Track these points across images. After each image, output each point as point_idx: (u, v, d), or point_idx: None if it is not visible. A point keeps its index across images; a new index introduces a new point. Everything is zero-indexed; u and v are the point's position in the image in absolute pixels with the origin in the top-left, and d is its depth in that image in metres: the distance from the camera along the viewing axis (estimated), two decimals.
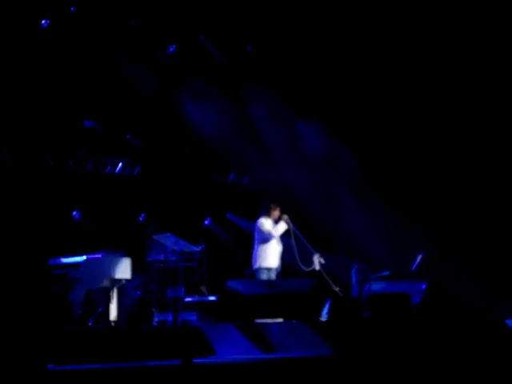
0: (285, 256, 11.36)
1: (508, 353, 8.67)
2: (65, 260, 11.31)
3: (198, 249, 12.52)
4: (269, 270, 11.23)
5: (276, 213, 11.39)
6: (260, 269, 11.20)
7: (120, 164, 13.98)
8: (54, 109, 12.70)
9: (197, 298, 12.28)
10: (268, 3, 13.48)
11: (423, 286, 10.53)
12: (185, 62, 13.62)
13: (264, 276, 11.16)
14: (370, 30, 13.61)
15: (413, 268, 12.37)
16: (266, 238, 11.25)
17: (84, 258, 11.23)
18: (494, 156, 13.54)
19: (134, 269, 11.56)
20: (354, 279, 12.56)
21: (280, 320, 9.91)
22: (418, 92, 13.84)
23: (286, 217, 11.32)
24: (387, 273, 12.24)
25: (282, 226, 11.30)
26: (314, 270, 11.18)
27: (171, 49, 13.62)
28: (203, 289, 12.91)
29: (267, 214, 11.38)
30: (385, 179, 13.91)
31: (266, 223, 11.32)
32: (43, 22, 12.31)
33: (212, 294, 12.32)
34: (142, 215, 14.00)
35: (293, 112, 14.17)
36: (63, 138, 13.06)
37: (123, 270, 11.32)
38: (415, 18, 13.39)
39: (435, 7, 13.23)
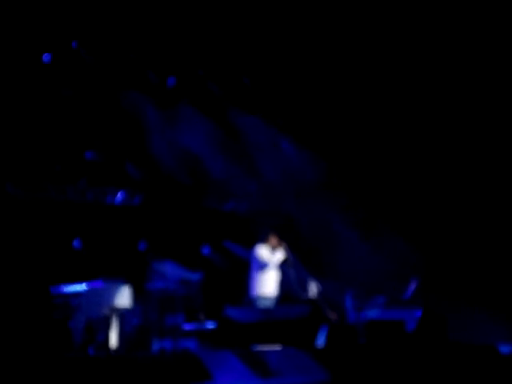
0: (282, 283, 11.44)
1: (500, 379, 8.79)
2: (65, 288, 11.32)
3: (197, 276, 12.54)
4: (266, 297, 11.33)
5: (273, 240, 11.49)
6: (257, 296, 11.28)
7: (119, 194, 14.06)
8: (54, 140, 12.82)
9: (195, 326, 12.28)
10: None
11: (418, 313, 10.61)
12: (183, 93, 13.76)
13: (261, 303, 11.24)
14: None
15: (407, 294, 12.43)
16: (263, 266, 11.33)
17: (84, 286, 11.24)
18: (491, 176, 13.58)
19: (134, 297, 11.55)
20: (349, 305, 12.62)
21: (277, 346, 10.00)
22: (408, 110, 13.90)
23: (283, 244, 11.42)
24: (382, 299, 12.29)
25: (280, 254, 11.40)
26: (310, 297, 11.26)
27: (171, 81, 13.77)
28: (201, 316, 12.90)
29: (265, 241, 11.49)
30: (380, 204, 13.99)
31: (263, 251, 11.41)
32: (44, 55, 12.46)
33: (210, 322, 12.33)
34: (142, 244, 14.08)
35: (290, 139, 14.29)
36: (64, 169, 13.17)
37: (123, 298, 11.33)
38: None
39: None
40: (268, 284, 11.37)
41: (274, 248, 11.51)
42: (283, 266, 11.51)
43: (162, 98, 13.61)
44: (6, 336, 10.33)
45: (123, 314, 11.52)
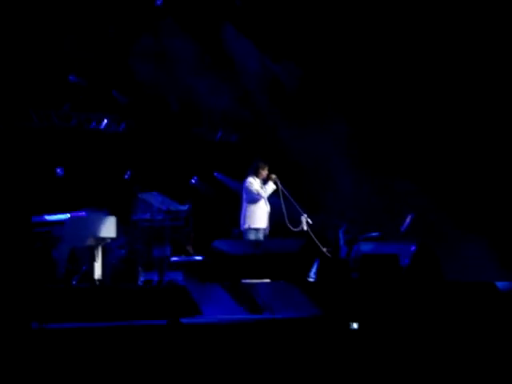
0: (273, 216, 11.25)
1: (498, 316, 8.62)
2: (48, 217, 11.13)
3: (185, 208, 12.41)
4: (257, 230, 11.12)
5: (264, 172, 11.24)
6: (248, 229, 11.07)
7: (105, 120, 13.77)
8: (37, 63, 12.38)
9: (183, 258, 12.20)
10: None
11: (412, 248, 10.43)
12: (171, 12, 13.31)
13: (252, 236, 11.05)
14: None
15: (402, 229, 12.30)
16: (254, 199, 11.09)
17: (68, 215, 11.06)
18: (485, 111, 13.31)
19: (119, 227, 11.35)
20: (342, 240, 12.50)
21: (267, 280, 9.81)
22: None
23: (274, 176, 11.18)
24: (376, 234, 12.16)
25: (271, 186, 11.16)
26: (301, 231, 11.07)
27: (158, 1, 13.30)
28: (189, 248, 12.82)
29: (255, 173, 11.23)
30: (375, 138, 13.72)
31: (254, 183, 11.16)
32: None
33: (198, 254, 12.22)
34: (128, 173, 13.85)
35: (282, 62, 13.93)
36: (47, 93, 12.79)
37: (108, 228, 11.09)
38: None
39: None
40: (259, 217, 11.15)
41: (264, 179, 11.25)
42: (274, 199, 11.26)
43: (149, 20, 13.13)
44: None
45: (108, 245, 11.40)
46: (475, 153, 13.20)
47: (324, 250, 11.04)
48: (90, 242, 11.01)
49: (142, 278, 11.62)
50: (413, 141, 13.59)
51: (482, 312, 8.68)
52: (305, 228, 11.08)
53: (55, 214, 11.14)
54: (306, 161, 13.78)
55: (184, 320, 7.83)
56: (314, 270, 10.10)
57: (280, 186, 11.16)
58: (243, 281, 9.81)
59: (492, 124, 13.16)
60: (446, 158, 13.47)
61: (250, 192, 11.13)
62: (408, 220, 12.27)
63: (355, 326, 7.55)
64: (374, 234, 12.11)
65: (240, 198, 11.34)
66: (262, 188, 11.15)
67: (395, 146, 13.60)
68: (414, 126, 13.59)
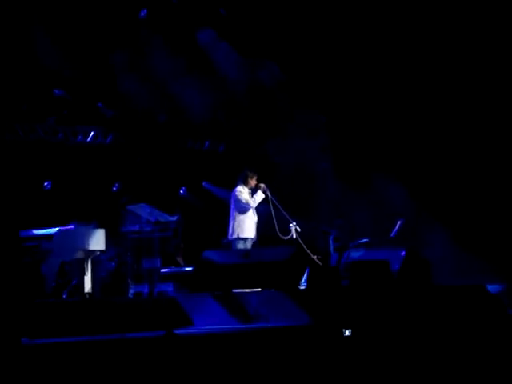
0: (262, 225, 11.23)
1: (489, 318, 8.63)
2: (36, 232, 11.04)
3: (174, 219, 12.36)
4: (245, 240, 11.09)
5: (253, 181, 11.22)
6: (237, 239, 11.04)
7: (92, 133, 13.74)
8: (21, 77, 12.35)
9: (173, 269, 12.16)
10: None
11: (402, 253, 10.43)
12: (157, 27, 13.31)
13: (240, 246, 11.03)
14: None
15: (392, 234, 12.31)
16: (243, 208, 11.06)
17: (56, 229, 10.98)
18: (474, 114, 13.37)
19: (108, 240, 11.29)
20: (332, 247, 12.49)
21: (258, 289, 9.79)
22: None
23: (263, 185, 11.16)
24: (366, 240, 12.17)
25: (260, 195, 11.13)
26: (291, 239, 11.05)
27: (142, 13, 13.32)
28: (179, 259, 12.78)
29: (244, 182, 11.20)
30: (363, 144, 13.75)
31: (243, 192, 11.12)
32: None
33: (188, 265, 12.18)
34: (116, 185, 13.81)
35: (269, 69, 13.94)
36: (32, 107, 12.74)
37: (97, 241, 11.02)
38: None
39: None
40: (247, 226, 11.12)
41: (253, 189, 11.22)
42: (263, 207, 11.24)
43: (133, 32, 13.12)
44: None
45: (98, 258, 11.33)
46: (462, 158, 13.27)
47: (314, 257, 11.03)
48: (79, 255, 10.93)
49: (132, 291, 11.58)
50: (400, 146, 13.64)
51: (473, 315, 8.68)
52: (294, 236, 11.07)
53: (43, 228, 11.06)
54: (294, 169, 13.78)
55: (178, 331, 7.79)
56: (304, 277, 10.10)
57: (269, 194, 11.14)
58: (234, 290, 9.80)
59: (476, 134, 13.26)
60: (433, 163, 13.54)
61: (239, 201, 11.08)
62: (398, 225, 12.29)
63: (348, 333, 7.53)
64: (363, 241, 12.14)
65: (228, 208, 11.32)
66: (251, 197, 11.12)
67: (382, 151, 13.65)
68: (401, 131, 13.64)
